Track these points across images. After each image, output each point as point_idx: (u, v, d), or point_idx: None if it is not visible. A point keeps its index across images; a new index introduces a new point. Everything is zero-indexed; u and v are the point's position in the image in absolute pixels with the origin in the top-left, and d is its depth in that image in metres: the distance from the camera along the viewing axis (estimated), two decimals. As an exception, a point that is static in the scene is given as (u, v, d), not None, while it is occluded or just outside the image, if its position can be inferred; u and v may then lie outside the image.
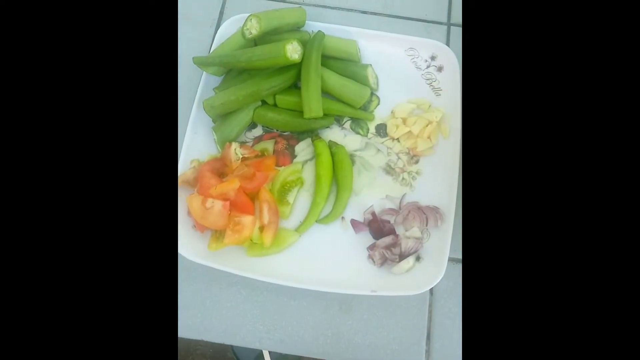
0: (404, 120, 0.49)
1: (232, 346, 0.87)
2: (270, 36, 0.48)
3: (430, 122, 0.48)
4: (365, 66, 0.49)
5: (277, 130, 0.49)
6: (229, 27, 0.50)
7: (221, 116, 0.47)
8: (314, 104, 0.46)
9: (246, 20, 0.47)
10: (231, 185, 0.42)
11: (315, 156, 0.47)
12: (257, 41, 0.48)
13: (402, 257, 0.43)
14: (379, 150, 0.48)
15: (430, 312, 0.44)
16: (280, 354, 0.82)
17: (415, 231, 0.44)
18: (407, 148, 0.48)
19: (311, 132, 0.48)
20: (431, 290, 0.44)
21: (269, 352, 0.76)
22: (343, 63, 0.49)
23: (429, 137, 0.48)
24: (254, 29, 0.47)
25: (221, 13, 0.55)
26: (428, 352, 0.42)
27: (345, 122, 0.49)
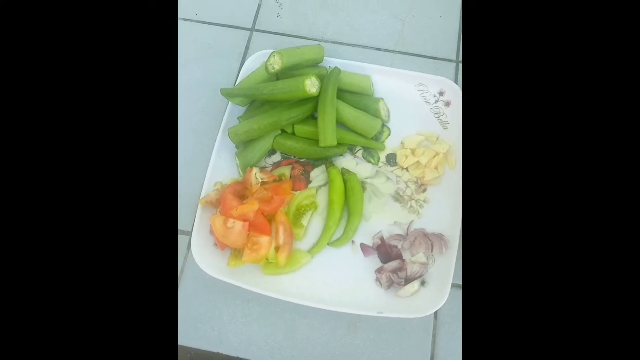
0: (413, 151, 0.52)
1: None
2: (291, 71, 0.53)
3: (437, 154, 0.51)
4: (378, 99, 0.53)
5: (294, 157, 0.53)
6: (254, 62, 0.55)
7: (244, 143, 0.51)
8: (329, 134, 0.49)
9: (270, 56, 0.52)
10: (251, 207, 0.45)
11: (329, 182, 0.50)
12: (279, 75, 0.53)
13: (408, 280, 0.45)
14: (388, 178, 0.51)
15: (434, 335, 0.45)
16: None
17: (420, 256, 0.46)
18: (416, 177, 0.51)
19: (325, 160, 0.52)
20: (435, 314, 0.46)
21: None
22: (357, 96, 0.53)
23: (436, 168, 0.51)
24: (276, 64, 0.51)
25: (246, 48, 0.60)
26: (431, 374, 0.44)
27: (358, 151, 0.53)
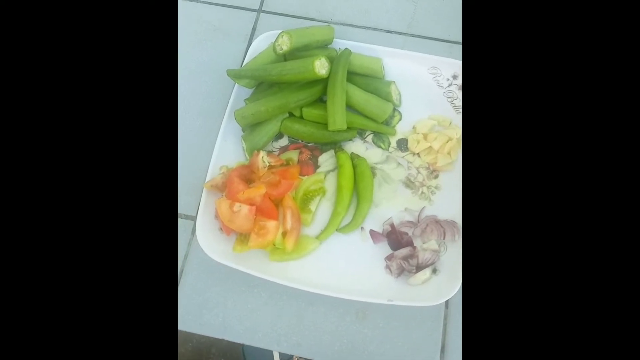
0: (425, 136, 0.50)
1: (242, 350, 0.89)
2: (299, 52, 0.51)
3: (450, 139, 0.49)
4: (389, 83, 0.51)
5: (302, 141, 0.51)
6: (261, 43, 0.53)
7: (251, 126, 0.50)
8: (338, 118, 0.48)
9: (278, 36, 0.50)
10: (258, 191, 0.44)
11: (338, 167, 0.49)
12: (287, 56, 0.51)
13: (419, 268, 0.44)
14: (399, 164, 0.50)
15: (445, 325, 0.44)
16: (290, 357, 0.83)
17: (432, 244, 0.45)
18: (427, 163, 0.49)
19: (334, 144, 0.50)
20: (447, 303, 0.45)
21: (279, 354, 0.77)
22: (368, 79, 0.52)
23: (449, 153, 0.49)
24: (285, 45, 0.50)
25: (253, 29, 0.58)
26: (442, 364, 0.43)
27: (368, 135, 0.51)
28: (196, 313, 0.46)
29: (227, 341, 0.45)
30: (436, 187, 0.48)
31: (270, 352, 0.80)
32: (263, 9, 0.59)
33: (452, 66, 0.52)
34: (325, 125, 0.49)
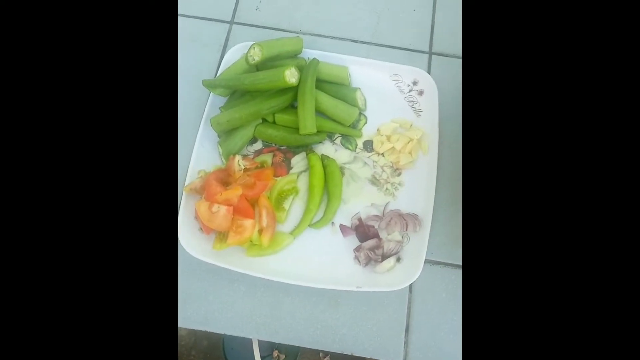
0: (388, 138, 0.55)
1: (223, 351, 0.91)
2: (270, 62, 0.55)
3: (411, 140, 0.54)
4: (355, 89, 0.56)
5: (275, 145, 0.55)
6: (234, 54, 0.57)
7: (226, 132, 0.53)
8: (308, 122, 0.52)
9: (250, 48, 0.53)
10: (234, 192, 0.47)
11: (309, 168, 0.53)
12: (259, 66, 0.55)
13: (384, 257, 0.48)
14: (365, 163, 0.54)
15: (409, 308, 0.49)
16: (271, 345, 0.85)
17: (396, 235, 0.50)
18: (391, 162, 0.54)
19: (306, 147, 0.54)
20: (410, 287, 0.49)
21: (259, 352, 0.80)
22: (335, 86, 0.56)
23: (410, 153, 0.54)
24: (256, 56, 0.53)
25: (226, 40, 0.61)
26: (406, 343, 0.48)
27: (336, 138, 0.55)
28: (179, 308, 0.48)
29: (208, 343, 0.48)
30: (399, 184, 0.53)
31: (251, 353, 0.83)
32: (235, 20, 0.62)
33: (412, 73, 0.57)
34: (296, 129, 0.52)
